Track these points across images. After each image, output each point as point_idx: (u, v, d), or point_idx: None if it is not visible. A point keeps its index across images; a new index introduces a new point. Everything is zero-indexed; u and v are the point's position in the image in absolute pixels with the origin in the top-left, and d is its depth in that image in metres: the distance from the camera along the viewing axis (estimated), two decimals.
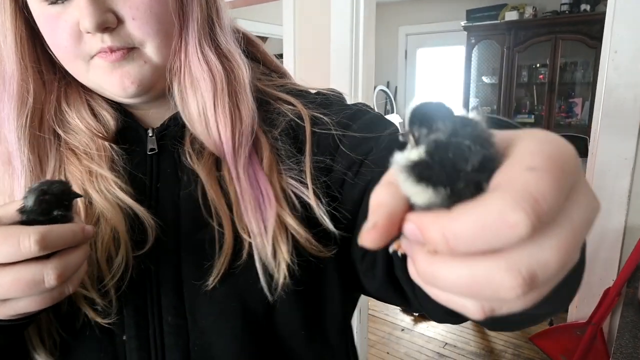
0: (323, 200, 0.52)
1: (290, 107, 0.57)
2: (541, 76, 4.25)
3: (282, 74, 0.65)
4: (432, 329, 2.95)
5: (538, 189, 0.19)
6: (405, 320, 3.09)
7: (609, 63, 1.40)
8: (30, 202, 0.36)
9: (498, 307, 0.22)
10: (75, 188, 0.43)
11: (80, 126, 0.52)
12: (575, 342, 1.57)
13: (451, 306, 0.24)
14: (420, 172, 0.21)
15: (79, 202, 0.48)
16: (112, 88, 0.49)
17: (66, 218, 0.38)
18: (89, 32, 0.46)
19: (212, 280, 0.47)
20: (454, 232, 0.20)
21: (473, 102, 4.69)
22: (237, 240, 0.49)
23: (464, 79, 4.64)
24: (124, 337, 0.48)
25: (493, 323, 0.39)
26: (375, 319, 3.09)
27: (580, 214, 0.21)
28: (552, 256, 0.20)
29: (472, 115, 0.21)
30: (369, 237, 0.22)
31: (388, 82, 5.67)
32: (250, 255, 0.49)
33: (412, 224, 0.22)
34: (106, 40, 0.46)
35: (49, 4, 0.47)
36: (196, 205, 0.50)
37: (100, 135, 0.52)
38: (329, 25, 1.99)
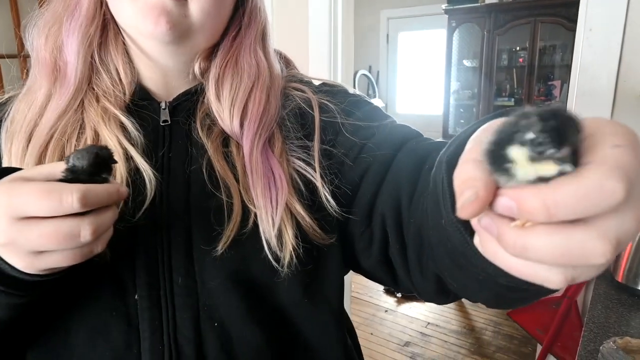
0: (327, 182, 0.55)
1: (299, 92, 0.62)
2: (521, 59, 4.29)
3: (289, 65, 0.70)
4: (415, 309, 3.00)
5: (626, 161, 0.22)
6: (389, 301, 3.13)
7: (583, 41, 1.42)
8: (82, 162, 0.38)
9: (581, 273, 0.25)
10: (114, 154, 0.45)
11: (107, 73, 0.56)
12: (551, 316, 1.62)
13: (532, 277, 0.25)
14: (531, 146, 0.22)
15: None
16: (146, 23, 0.50)
17: (107, 181, 0.40)
18: None
19: (221, 246, 0.50)
20: (556, 200, 0.22)
21: (454, 85, 4.71)
22: (245, 209, 0.52)
23: (445, 63, 4.66)
24: (136, 297, 0.50)
25: (499, 303, 0.42)
26: (358, 301, 3.13)
27: None
28: (632, 224, 0.23)
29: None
30: (470, 207, 0.24)
31: (370, 67, 5.65)
32: (256, 224, 0.52)
33: (507, 197, 0.23)
34: None
35: None
36: (204, 176, 0.53)
37: (121, 90, 0.55)
38: (307, 9, 1.97)
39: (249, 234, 0.52)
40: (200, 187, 0.53)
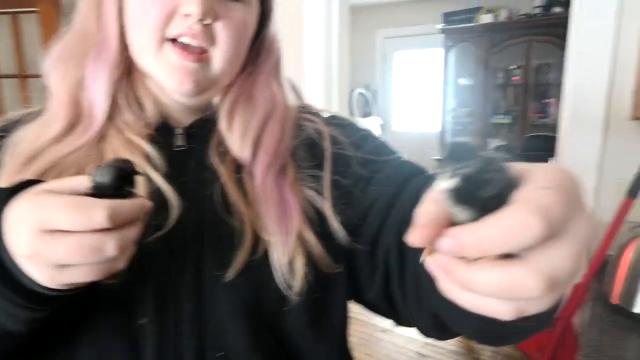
0: (337, 212, 0.56)
1: (310, 124, 0.63)
2: (516, 77, 4.33)
3: (298, 94, 0.71)
4: (412, 330, 2.96)
5: (550, 201, 0.25)
6: (386, 321, 3.10)
7: (574, 64, 1.43)
8: (107, 178, 0.38)
9: (525, 307, 0.27)
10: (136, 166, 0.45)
11: (129, 108, 0.57)
12: (549, 338, 1.60)
13: (484, 311, 0.28)
14: (456, 196, 0.27)
15: None
16: (170, 81, 0.53)
17: (132, 195, 0.40)
18: (188, 15, 0.51)
19: (232, 272, 0.50)
20: (483, 236, 0.25)
21: (451, 103, 4.75)
22: (256, 236, 0.53)
23: (442, 81, 4.70)
24: (141, 322, 0.49)
25: (486, 338, 0.44)
26: (355, 320, 3.10)
27: (582, 230, 0.26)
28: (566, 262, 0.25)
29: (491, 153, 0.27)
30: (416, 233, 0.27)
31: (367, 85, 5.70)
32: (268, 251, 0.52)
33: (449, 238, 0.26)
34: (194, 27, 0.51)
35: None
36: (217, 202, 0.54)
37: (142, 122, 0.56)
38: (302, 29, 1.99)
39: (260, 261, 0.52)
40: (213, 213, 0.53)
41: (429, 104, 5.37)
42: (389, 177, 0.57)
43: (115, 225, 0.37)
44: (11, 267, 0.38)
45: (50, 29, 2.82)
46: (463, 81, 4.66)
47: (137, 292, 0.49)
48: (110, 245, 0.36)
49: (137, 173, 0.40)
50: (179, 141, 0.58)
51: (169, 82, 0.54)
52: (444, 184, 0.27)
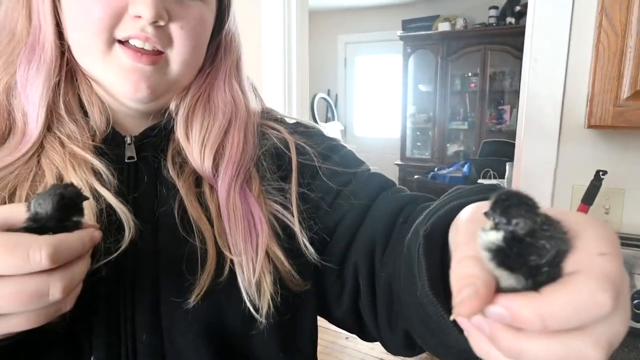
0: (305, 227, 0.53)
1: (274, 132, 0.59)
2: (472, 84, 4.45)
3: (257, 95, 0.66)
4: None
5: (612, 271, 0.23)
6: None
7: (529, 72, 1.46)
8: (46, 208, 0.32)
9: None
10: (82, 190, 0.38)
11: (72, 116, 0.50)
12: None
13: None
14: (502, 259, 0.24)
15: None
16: (124, 86, 0.47)
17: (78, 224, 0.35)
18: (139, 17, 0.45)
19: (193, 298, 0.46)
20: (550, 313, 0.23)
21: (411, 109, 4.82)
22: (220, 256, 0.48)
23: (402, 87, 4.77)
24: (92, 359, 0.44)
25: None
26: (318, 328, 3.06)
27: (626, 287, 0.25)
28: (621, 326, 0.24)
29: (546, 210, 0.25)
30: (469, 305, 0.24)
31: (329, 90, 5.71)
32: (232, 273, 0.48)
33: (502, 308, 0.24)
34: (147, 29, 0.46)
35: None
36: (175, 219, 0.49)
37: (87, 132, 0.49)
38: (260, 32, 1.95)
39: (225, 283, 0.47)
40: (170, 232, 0.48)
41: (389, 109, 5.44)
42: (357, 191, 0.54)
43: (59, 264, 0.32)
44: None
45: None
46: (422, 87, 4.74)
47: (85, 327, 0.44)
48: (54, 288, 0.31)
49: (82, 198, 0.35)
50: (130, 152, 0.51)
51: (121, 87, 0.48)
52: (488, 238, 0.25)
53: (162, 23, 0.46)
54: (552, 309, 0.23)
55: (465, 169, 4.11)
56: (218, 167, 0.52)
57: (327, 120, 5.56)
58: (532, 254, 0.24)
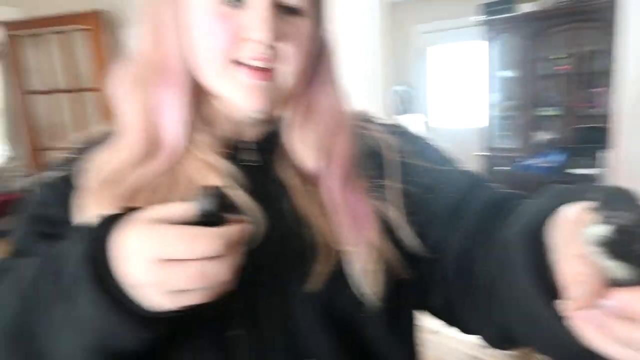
0: (405, 222, 0.57)
1: (371, 132, 0.64)
2: (562, 67, 4.15)
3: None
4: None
5: None
6: (435, 322, 3.04)
7: (628, 53, 1.35)
8: (212, 205, 0.40)
9: None
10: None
11: (202, 127, 0.57)
12: None
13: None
14: (613, 251, 0.27)
15: None
16: (245, 102, 0.53)
17: (233, 219, 0.42)
18: (255, 41, 0.51)
19: (311, 284, 0.52)
20: None
21: (495, 97, 4.61)
22: (331, 248, 0.54)
23: (483, 74, 4.57)
24: (233, 333, 0.51)
25: None
26: None
27: None
28: None
29: None
30: (583, 302, 0.28)
31: (403, 82, 5.62)
32: (343, 261, 0.54)
33: (617, 303, 0.27)
34: (261, 51, 0.51)
35: (224, 4, 0.51)
36: (288, 216, 0.55)
37: (217, 141, 0.57)
38: (336, 25, 1.98)
39: (337, 272, 0.53)
40: (285, 227, 0.55)
41: (468, 98, 5.24)
42: (451, 186, 0.58)
43: (230, 250, 0.39)
44: (117, 295, 0.40)
45: (96, 44, 2.94)
46: (506, 73, 4.51)
47: (228, 305, 0.50)
48: (226, 270, 0.39)
49: (229, 198, 0.43)
50: (248, 156, 0.58)
51: (240, 101, 0.54)
52: (596, 232, 0.27)
53: (274, 44, 0.52)
54: None
55: (556, 157, 3.87)
56: (325, 166, 0.58)
57: (401, 113, 5.49)
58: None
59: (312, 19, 0.57)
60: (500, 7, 4.35)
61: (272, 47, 0.52)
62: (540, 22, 4.12)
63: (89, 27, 2.91)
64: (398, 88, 5.39)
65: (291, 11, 0.53)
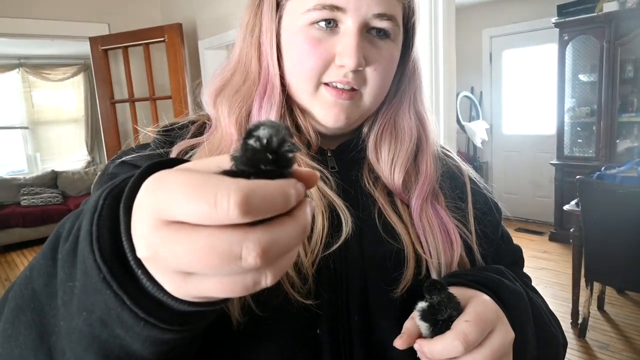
0: (479, 245, 0.63)
1: (447, 158, 0.69)
2: None
3: None
4: None
5: (467, 330, 0.45)
6: None
7: None
8: (265, 135, 0.26)
9: None
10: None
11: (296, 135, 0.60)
12: None
13: None
14: (422, 316, 0.49)
15: None
16: (326, 117, 0.58)
17: (287, 176, 0.27)
18: (342, 66, 0.55)
19: (400, 289, 0.55)
20: (433, 349, 0.46)
21: (569, 102, 4.34)
22: (418, 258, 0.58)
23: (558, 79, 4.32)
24: (318, 331, 0.53)
25: None
26: None
27: (497, 341, 0.47)
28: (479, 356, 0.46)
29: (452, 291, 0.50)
30: (399, 341, 0.50)
31: (472, 88, 5.45)
32: (429, 271, 0.58)
33: (417, 345, 0.48)
34: (348, 75, 0.55)
35: (318, 28, 0.55)
36: (376, 223, 0.58)
37: (306, 149, 0.60)
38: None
39: (421, 280, 0.55)
40: (372, 234, 0.57)
41: (542, 104, 4.96)
42: (503, 253, 0.69)
43: (253, 217, 0.25)
44: (131, 270, 0.30)
45: (175, 56, 3.13)
46: (583, 77, 4.23)
47: (316, 303, 0.52)
48: (249, 251, 0.25)
49: (296, 146, 0.27)
50: (332, 163, 0.62)
51: (324, 117, 0.58)
52: (420, 306, 0.49)
53: (360, 69, 0.55)
54: (434, 348, 0.46)
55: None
56: (408, 184, 0.61)
57: (471, 119, 5.32)
58: (437, 314, 0.48)
59: (398, 42, 0.60)
60: (577, 8, 4.10)
61: (357, 72, 0.55)
62: (626, 22, 3.83)
63: (168, 39, 3.12)
64: (465, 94, 5.24)
65: (382, 34, 0.56)
